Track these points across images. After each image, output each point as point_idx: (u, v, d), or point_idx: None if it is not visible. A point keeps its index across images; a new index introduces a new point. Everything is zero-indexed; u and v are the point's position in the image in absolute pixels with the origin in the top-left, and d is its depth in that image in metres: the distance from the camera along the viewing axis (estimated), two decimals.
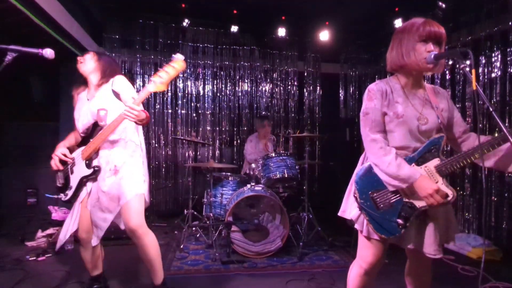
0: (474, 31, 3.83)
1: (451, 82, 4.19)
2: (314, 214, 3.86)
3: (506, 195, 3.51)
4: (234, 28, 5.06)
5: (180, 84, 5.30)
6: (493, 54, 3.65)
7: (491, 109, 1.16)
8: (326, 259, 3.32)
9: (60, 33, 3.66)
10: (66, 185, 2.22)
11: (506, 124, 3.51)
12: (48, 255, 3.26)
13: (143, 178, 2.19)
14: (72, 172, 2.21)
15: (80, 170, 2.17)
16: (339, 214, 1.78)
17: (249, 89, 5.57)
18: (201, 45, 5.32)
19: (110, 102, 2.14)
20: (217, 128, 5.45)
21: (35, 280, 2.74)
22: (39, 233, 3.64)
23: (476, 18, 3.79)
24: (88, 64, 2.22)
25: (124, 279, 2.77)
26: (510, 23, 3.43)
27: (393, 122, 1.57)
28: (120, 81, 2.18)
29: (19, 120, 4.45)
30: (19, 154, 4.39)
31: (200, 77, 5.39)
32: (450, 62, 4.26)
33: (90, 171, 2.13)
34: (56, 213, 3.88)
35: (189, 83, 5.35)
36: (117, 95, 2.16)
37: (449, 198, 1.45)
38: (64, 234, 2.23)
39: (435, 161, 1.52)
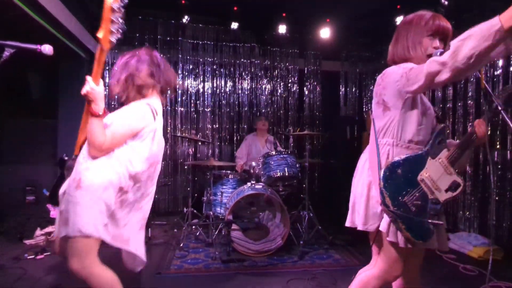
0: None
1: None
2: (315, 212, 3.84)
3: (507, 194, 3.49)
4: (234, 25, 5.01)
5: (180, 81, 5.26)
6: None
7: (500, 108, 1.13)
8: (327, 258, 3.31)
9: (58, 30, 3.62)
10: None
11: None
12: (47, 253, 3.23)
13: None
14: None
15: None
16: (359, 228, 1.57)
17: (249, 87, 5.53)
18: (201, 42, 5.28)
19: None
20: (217, 126, 5.42)
21: (33, 278, 2.72)
22: (38, 231, 3.61)
23: (480, 16, 3.74)
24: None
25: None
26: None
27: (421, 114, 1.48)
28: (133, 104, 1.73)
29: (17, 117, 4.41)
30: (18, 151, 4.35)
31: (200, 74, 5.35)
32: None
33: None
34: (54, 211, 3.84)
35: (188, 80, 5.31)
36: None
37: (460, 188, 1.44)
38: None
39: (445, 152, 1.48)
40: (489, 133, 3.65)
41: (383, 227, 1.47)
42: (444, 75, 1.24)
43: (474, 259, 3.30)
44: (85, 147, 1.66)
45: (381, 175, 1.46)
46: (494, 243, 3.46)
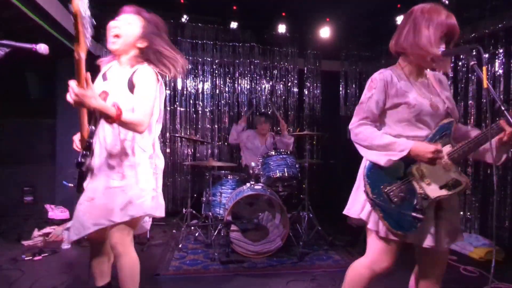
0: (478, 28, 3.78)
1: (453, 80, 4.14)
2: (314, 213, 3.82)
3: (508, 194, 3.47)
4: (234, 25, 4.98)
5: (179, 81, 5.24)
6: (497, 52, 3.60)
7: (503, 108, 1.11)
8: (327, 259, 3.28)
9: (56, 28, 3.59)
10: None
11: None
12: (45, 254, 3.20)
13: None
14: None
15: None
16: (344, 212, 1.67)
17: (248, 86, 5.50)
18: (200, 42, 5.25)
19: (117, 87, 1.73)
20: (216, 126, 5.39)
21: (31, 280, 2.69)
22: (36, 232, 3.59)
23: (481, 15, 3.73)
24: (129, 30, 1.72)
25: None
26: None
27: (405, 112, 1.49)
28: (143, 73, 1.71)
29: (15, 117, 4.38)
30: (16, 151, 4.32)
31: (199, 74, 5.32)
32: (453, 60, 4.21)
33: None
34: (52, 212, 3.83)
35: (188, 80, 5.28)
36: (131, 87, 1.71)
37: (461, 187, 1.41)
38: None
39: (447, 148, 1.46)
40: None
41: (364, 214, 1.53)
42: (354, 138, 1.56)
43: (475, 260, 3.28)
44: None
45: (366, 163, 1.53)
46: (495, 244, 3.44)
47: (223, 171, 4.16)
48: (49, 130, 4.39)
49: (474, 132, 1.51)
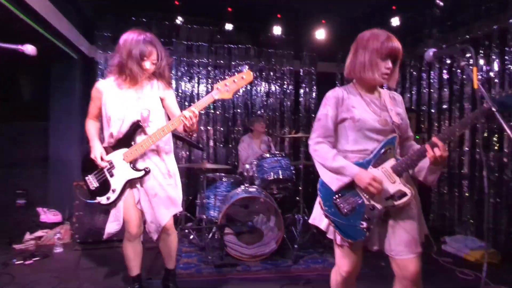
0: (472, 29, 3.77)
1: (448, 81, 4.13)
2: (310, 215, 3.78)
3: (504, 197, 3.45)
4: (229, 26, 4.96)
5: (174, 83, 5.21)
6: (491, 53, 3.59)
7: (493, 109, 1.09)
8: (322, 262, 3.25)
9: (49, 31, 3.56)
10: (104, 189, 2.14)
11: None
12: (36, 258, 3.16)
13: None
14: (112, 175, 2.13)
15: (124, 173, 2.11)
16: (310, 221, 1.79)
17: (244, 88, 5.48)
18: (195, 43, 5.22)
19: (155, 104, 2.16)
20: (211, 128, 5.36)
21: (21, 285, 2.65)
22: (27, 236, 3.54)
23: (475, 17, 3.72)
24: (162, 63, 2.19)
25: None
26: (510, 21, 3.37)
27: (351, 127, 1.61)
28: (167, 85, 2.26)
29: (8, 120, 4.34)
30: (8, 154, 4.28)
31: (194, 76, 5.29)
32: (449, 61, 4.21)
33: (139, 173, 2.10)
34: (45, 215, 3.78)
35: (183, 82, 5.25)
36: (162, 99, 2.22)
37: (406, 198, 1.48)
38: (109, 231, 2.24)
39: (391, 161, 1.55)
40: (485, 135, 3.63)
41: (323, 225, 1.66)
42: (312, 153, 1.69)
43: (471, 263, 3.26)
44: (146, 156, 2.16)
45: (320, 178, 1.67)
46: (491, 246, 3.42)
47: (217, 174, 4.12)
48: (42, 132, 4.35)
49: (416, 148, 1.64)
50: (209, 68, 5.33)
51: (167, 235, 2.30)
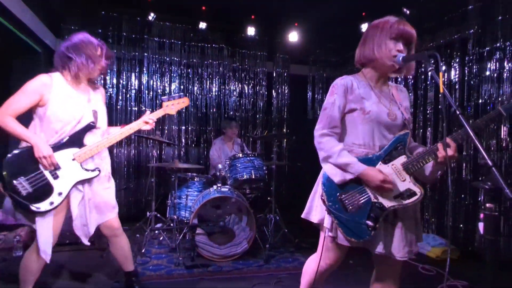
0: (436, 38, 3.98)
1: (413, 87, 4.32)
2: (282, 215, 3.83)
3: (462, 196, 3.66)
4: (203, 25, 4.93)
5: (144, 81, 5.08)
6: (453, 61, 3.80)
7: (458, 112, 1.16)
8: (293, 261, 3.30)
9: (11, 22, 3.36)
10: (43, 193, 1.91)
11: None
12: None
13: None
14: (56, 177, 1.94)
15: (74, 174, 1.98)
16: (303, 216, 1.74)
17: (217, 88, 5.45)
18: (167, 41, 5.14)
19: (100, 106, 2.18)
20: (183, 127, 5.28)
21: None
22: None
23: (439, 26, 3.93)
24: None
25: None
26: (470, 31, 3.58)
27: (360, 118, 1.54)
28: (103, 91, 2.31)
29: None
30: None
31: (166, 73, 5.20)
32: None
33: (92, 173, 2.03)
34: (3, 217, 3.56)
35: (154, 79, 5.14)
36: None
37: (416, 197, 1.43)
38: (48, 247, 2.02)
39: (402, 159, 1.49)
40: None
41: (327, 223, 1.56)
42: (316, 145, 1.63)
43: (432, 259, 3.43)
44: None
45: (323, 171, 1.59)
46: (451, 243, 3.61)
47: (189, 173, 4.07)
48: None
49: (420, 148, 1.58)
50: (181, 67, 5.25)
51: (117, 237, 2.27)
